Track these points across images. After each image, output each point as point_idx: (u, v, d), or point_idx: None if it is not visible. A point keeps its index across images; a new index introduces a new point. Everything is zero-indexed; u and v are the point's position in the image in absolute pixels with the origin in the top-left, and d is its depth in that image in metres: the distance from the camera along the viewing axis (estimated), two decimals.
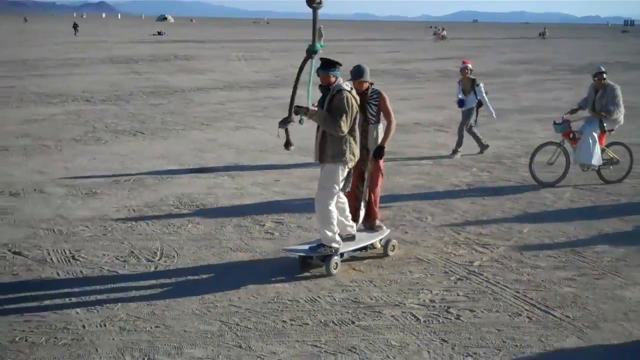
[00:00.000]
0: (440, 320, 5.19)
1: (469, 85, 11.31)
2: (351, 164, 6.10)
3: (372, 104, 6.58)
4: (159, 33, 65.80)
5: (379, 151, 6.53)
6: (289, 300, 5.55)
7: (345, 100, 5.87)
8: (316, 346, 4.76)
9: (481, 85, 11.43)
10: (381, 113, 6.63)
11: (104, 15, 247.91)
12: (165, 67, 29.77)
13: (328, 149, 5.98)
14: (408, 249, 6.87)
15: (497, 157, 11.56)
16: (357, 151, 6.13)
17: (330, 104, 5.95)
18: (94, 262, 6.35)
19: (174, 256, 6.57)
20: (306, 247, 6.29)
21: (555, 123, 9.86)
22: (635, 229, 7.67)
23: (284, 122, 5.93)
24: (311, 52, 5.81)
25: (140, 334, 4.91)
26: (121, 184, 9.41)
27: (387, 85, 20.86)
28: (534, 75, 28.51)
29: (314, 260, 6.22)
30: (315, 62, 5.95)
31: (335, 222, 6.11)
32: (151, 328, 5.00)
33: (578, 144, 9.55)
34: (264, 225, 7.61)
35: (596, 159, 9.40)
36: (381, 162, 6.65)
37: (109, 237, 7.13)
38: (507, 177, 10.16)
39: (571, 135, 9.68)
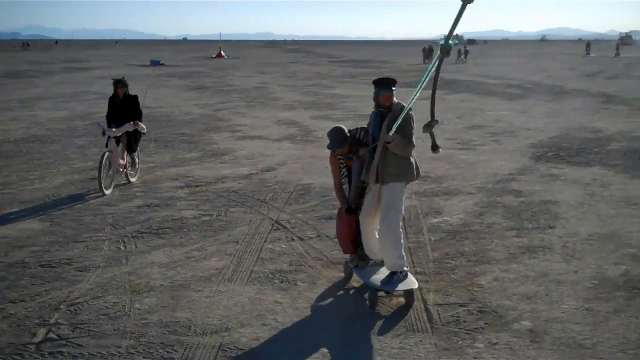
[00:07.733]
0: None
1: None
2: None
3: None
4: None
5: None
6: None
7: (412, 118, 5.62)
8: None
9: None
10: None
11: None
12: None
13: (391, 168, 5.59)
14: None
15: None
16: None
17: (398, 124, 5.46)
18: None
19: None
20: (372, 278, 5.67)
21: None
22: None
23: (429, 126, 5.42)
24: (447, 51, 5.21)
25: None
26: None
27: None
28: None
29: (392, 293, 5.61)
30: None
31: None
32: None
33: None
34: None
35: None
36: None
37: None
38: None
39: None
